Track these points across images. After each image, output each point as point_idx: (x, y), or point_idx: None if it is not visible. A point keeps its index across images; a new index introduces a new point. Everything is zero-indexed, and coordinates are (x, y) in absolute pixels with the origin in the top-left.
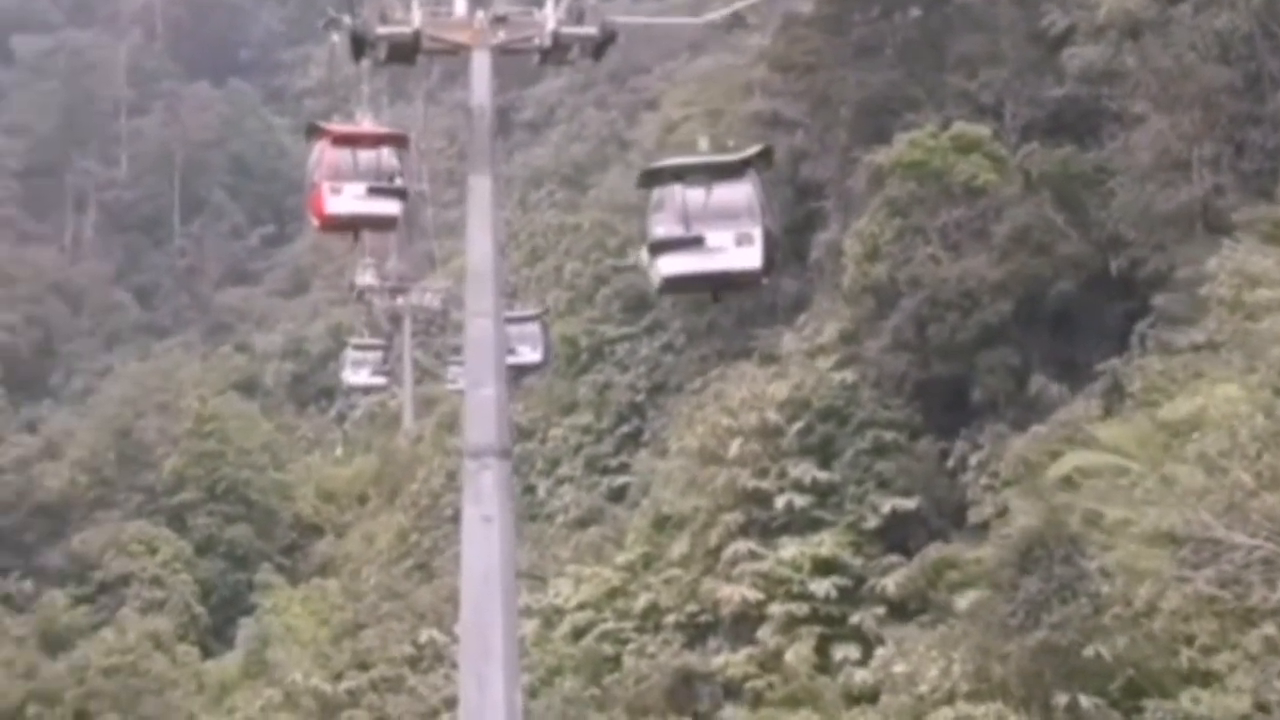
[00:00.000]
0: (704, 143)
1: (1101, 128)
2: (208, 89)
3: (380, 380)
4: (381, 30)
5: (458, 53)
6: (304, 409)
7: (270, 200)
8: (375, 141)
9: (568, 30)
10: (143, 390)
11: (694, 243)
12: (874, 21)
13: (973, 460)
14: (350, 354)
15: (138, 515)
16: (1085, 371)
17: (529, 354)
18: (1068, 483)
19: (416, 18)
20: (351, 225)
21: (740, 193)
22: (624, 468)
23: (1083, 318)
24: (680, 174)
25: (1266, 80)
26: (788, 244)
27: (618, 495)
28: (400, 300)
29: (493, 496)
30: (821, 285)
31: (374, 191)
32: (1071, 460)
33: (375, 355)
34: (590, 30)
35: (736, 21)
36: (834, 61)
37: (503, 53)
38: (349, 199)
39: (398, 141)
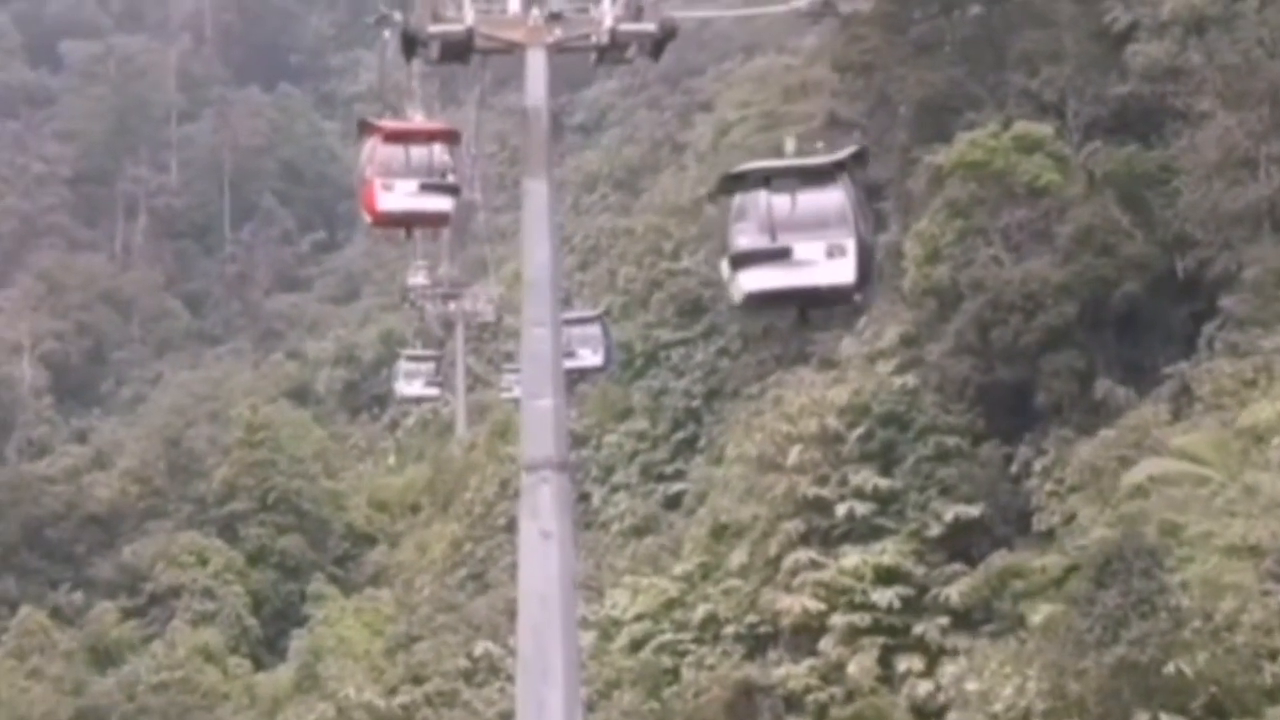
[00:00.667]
0: (790, 144)
1: (1166, 126)
2: (258, 94)
3: (433, 391)
4: (433, 28)
5: (512, 51)
6: (356, 417)
7: (321, 206)
8: (427, 137)
9: (626, 27)
10: (193, 399)
11: (780, 255)
12: (933, 18)
13: (1037, 466)
14: (403, 365)
15: (188, 526)
16: (1151, 375)
17: (589, 357)
18: (1138, 491)
19: (469, 15)
20: (404, 222)
21: (831, 199)
22: (680, 474)
23: (1148, 320)
24: (765, 178)
25: None
26: None
27: (673, 503)
28: (453, 306)
29: (551, 511)
30: (881, 288)
31: (426, 188)
32: (1146, 468)
33: (428, 366)
34: (649, 27)
35: (827, 8)
36: (893, 60)
37: (558, 51)
38: (401, 195)
39: (449, 137)
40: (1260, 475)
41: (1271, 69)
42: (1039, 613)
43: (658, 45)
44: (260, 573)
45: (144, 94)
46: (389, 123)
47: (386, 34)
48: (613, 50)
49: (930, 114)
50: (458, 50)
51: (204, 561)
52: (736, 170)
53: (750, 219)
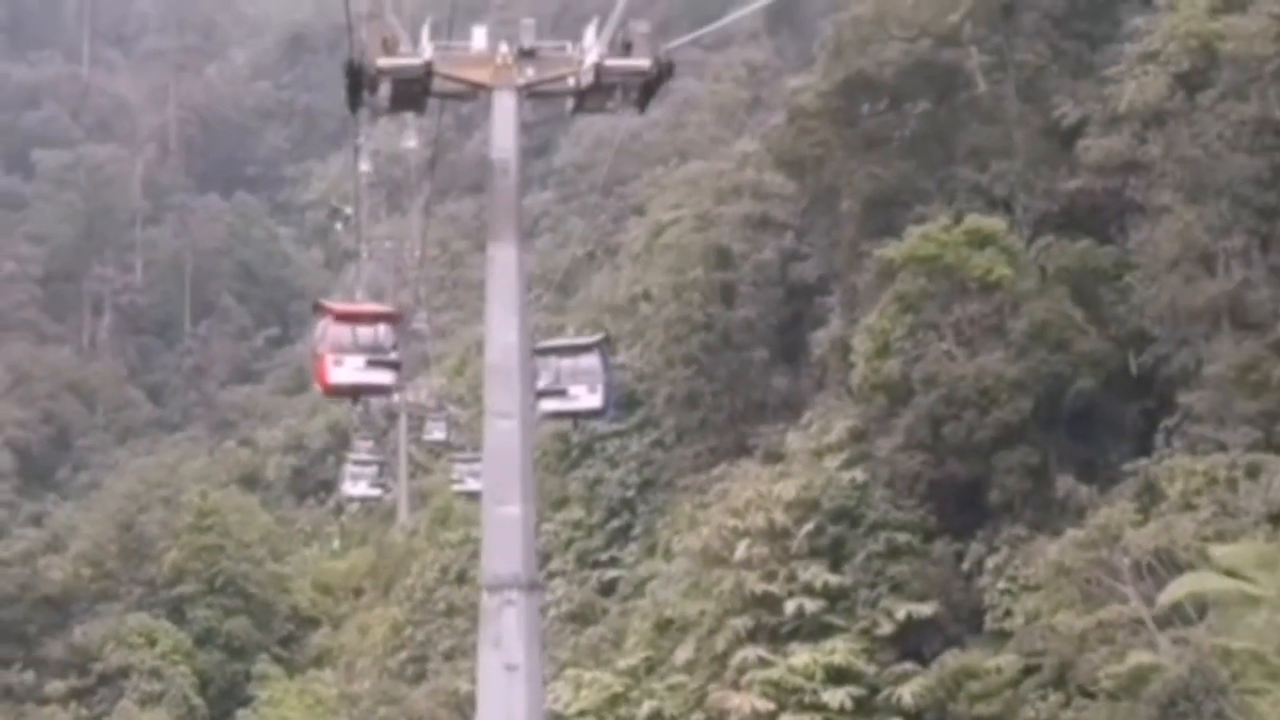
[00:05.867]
0: None
1: (1115, 220)
2: (217, 201)
3: (377, 492)
4: (385, 63)
5: (476, 95)
6: (303, 501)
7: (275, 304)
8: (373, 319)
9: (613, 63)
10: (147, 485)
11: None
12: (882, 114)
13: (989, 563)
14: (349, 468)
15: (138, 607)
16: (1105, 472)
17: (586, 398)
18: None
19: (427, 50)
20: (352, 392)
21: None
22: (614, 561)
23: (1102, 417)
24: None
25: None
26: (777, 342)
27: (608, 589)
28: (396, 398)
29: (517, 639)
30: (826, 382)
31: (372, 364)
32: (1186, 584)
33: (372, 469)
34: (642, 63)
35: None
36: (842, 154)
37: (530, 95)
38: (350, 370)
39: (392, 319)
40: None
41: (1232, 162)
42: None
43: (648, 88)
44: (207, 653)
45: (111, 200)
46: (339, 306)
47: (339, 226)
48: (595, 94)
49: (878, 209)
50: (412, 93)
51: (152, 642)
52: None
53: None
